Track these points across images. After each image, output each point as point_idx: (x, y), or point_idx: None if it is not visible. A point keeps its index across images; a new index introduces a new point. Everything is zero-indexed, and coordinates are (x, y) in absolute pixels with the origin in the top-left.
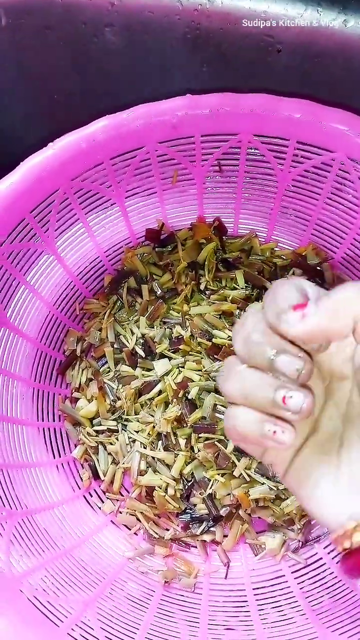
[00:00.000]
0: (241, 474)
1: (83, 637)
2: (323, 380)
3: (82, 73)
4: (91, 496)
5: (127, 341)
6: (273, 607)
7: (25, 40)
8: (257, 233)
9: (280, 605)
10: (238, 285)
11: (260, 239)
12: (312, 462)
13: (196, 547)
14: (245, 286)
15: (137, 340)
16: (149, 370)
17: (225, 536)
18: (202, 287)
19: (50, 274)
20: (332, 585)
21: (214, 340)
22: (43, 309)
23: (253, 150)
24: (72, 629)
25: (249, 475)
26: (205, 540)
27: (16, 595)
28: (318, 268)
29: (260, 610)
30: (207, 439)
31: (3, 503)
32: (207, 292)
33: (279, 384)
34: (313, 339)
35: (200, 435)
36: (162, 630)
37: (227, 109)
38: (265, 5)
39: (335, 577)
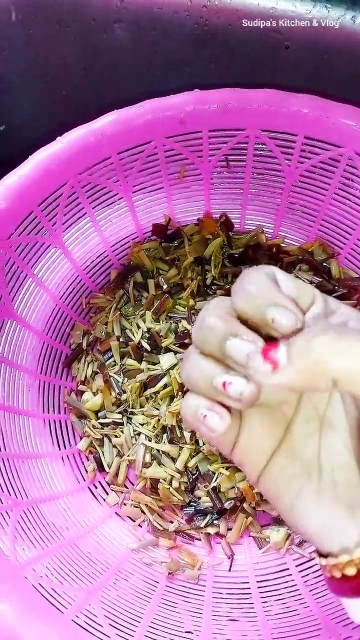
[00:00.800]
0: None
1: (87, 624)
2: None
3: (91, 68)
4: (96, 488)
5: (133, 335)
6: (277, 600)
7: (35, 35)
8: (263, 229)
9: (284, 598)
10: None
11: (267, 234)
12: (290, 468)
13: (200, 539)
14: None
15: (142, 334)
16: (154, 364)
17: (229, 529)
18: (208, 282)
19: (57, 267)
20: None
21: None
22: (50, 302)
23: (260, 146)
24: (77, 616)
25: None
26: (209, 533)
27: (21, 582)
28: (325, 264)
29: (263, 602)
30: None
31: (9, 492)
32: (213, 287)
33: (222, 370)
34: (287, 389)
35: None
36: (166, 620)
37: (235, 104)
38: (274, 1)
39: None
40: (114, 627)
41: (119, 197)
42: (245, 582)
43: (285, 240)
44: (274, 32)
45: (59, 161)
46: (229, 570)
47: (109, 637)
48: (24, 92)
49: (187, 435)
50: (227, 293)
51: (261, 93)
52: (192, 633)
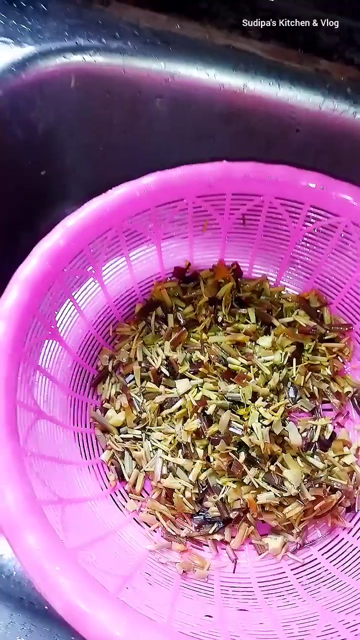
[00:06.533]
0: (250, 481)
1: (129, 602)
2: None
3: (130, 131)
4: (117, 495)
5: (153, 361)
6: (277, 596)
7: (87, 99)
8: (268, 277)
9: (283, 595)
10: (250, 320)
11: (270, 282)
12: None
13: (208, 545)
14: (256, 321)
15: (162, 361)
16: (171, 387)
17: (233, 537)
18: (219, 319)
19: (93, 298)
20: (328, 579)
21: (229, 365)
22: (84, 327)
23: (272, 209)
24: (119, 595)
25: (257, 483)
26: (215, 539)
27: (75, 563)
28: (318, 311)
29: (265, 597)
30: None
31: (53, 490)
32: (223, 324)
33: None
34: None
35: (215, 446)
36: (186, 609)
37: (255, 175)
38: (292, 94)
39: (330, 573)
40: (150, 607)
41: (151, 242)
42: (248, 582)
43: (286, 288)
44: (288, 117)
45: (110, 209)
46: (233, 572)
47: (148, 615)
48: (68, 144)
49: (199, 451)
50: (236, 330)
51: (277, 168)
52: (212, 617)
